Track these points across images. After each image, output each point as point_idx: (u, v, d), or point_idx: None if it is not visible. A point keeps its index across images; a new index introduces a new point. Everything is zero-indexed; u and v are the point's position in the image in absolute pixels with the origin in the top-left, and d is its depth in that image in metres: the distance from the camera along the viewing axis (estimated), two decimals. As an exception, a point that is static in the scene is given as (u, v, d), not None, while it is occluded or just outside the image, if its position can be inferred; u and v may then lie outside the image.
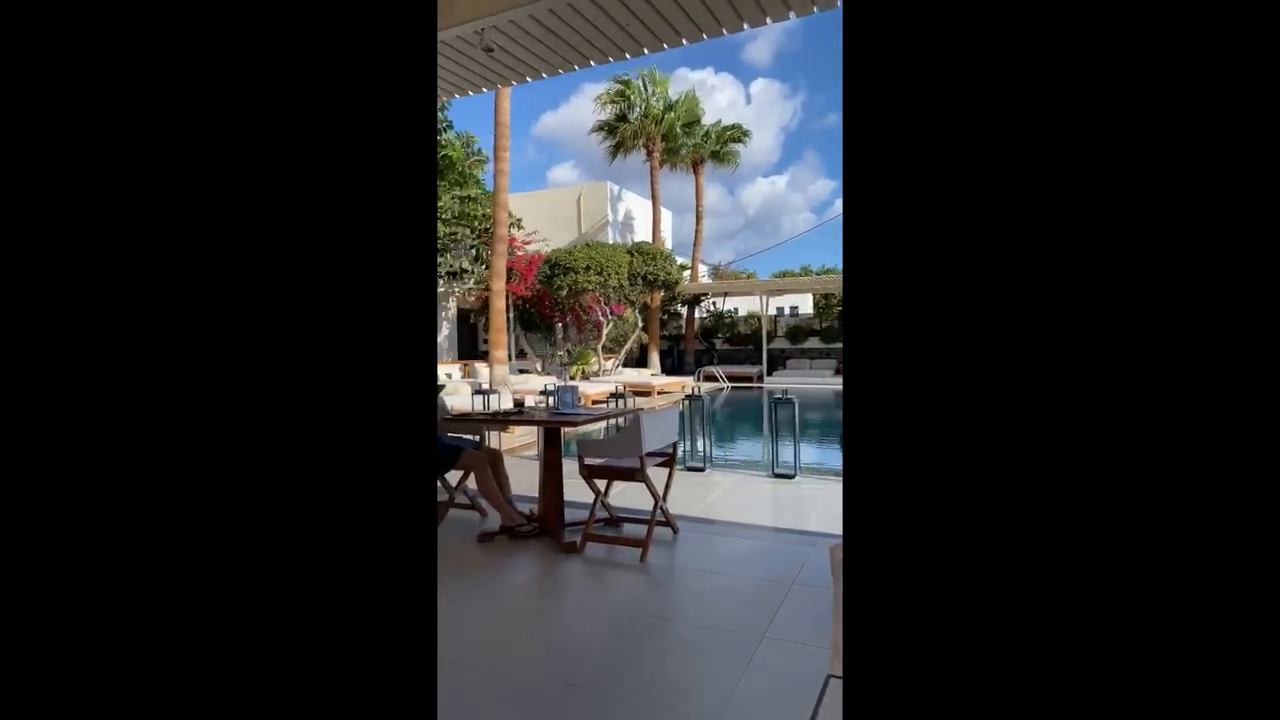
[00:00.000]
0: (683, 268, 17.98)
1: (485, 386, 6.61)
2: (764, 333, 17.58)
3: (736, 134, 19.63)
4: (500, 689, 1.88)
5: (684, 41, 3.36)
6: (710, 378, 16.17)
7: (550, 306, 15.68)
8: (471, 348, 17.45)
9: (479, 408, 3.79)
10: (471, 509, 3.74)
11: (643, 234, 19.82)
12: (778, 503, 4.21)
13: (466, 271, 15.74)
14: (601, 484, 3.28)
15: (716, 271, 24.32)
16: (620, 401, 4.09)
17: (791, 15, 3.08)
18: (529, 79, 3.83)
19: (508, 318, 12.81)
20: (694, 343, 19.26)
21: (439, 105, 13.71)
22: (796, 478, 4.64)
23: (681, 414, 3.86)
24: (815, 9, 2.98)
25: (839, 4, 2.97)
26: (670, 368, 18.26)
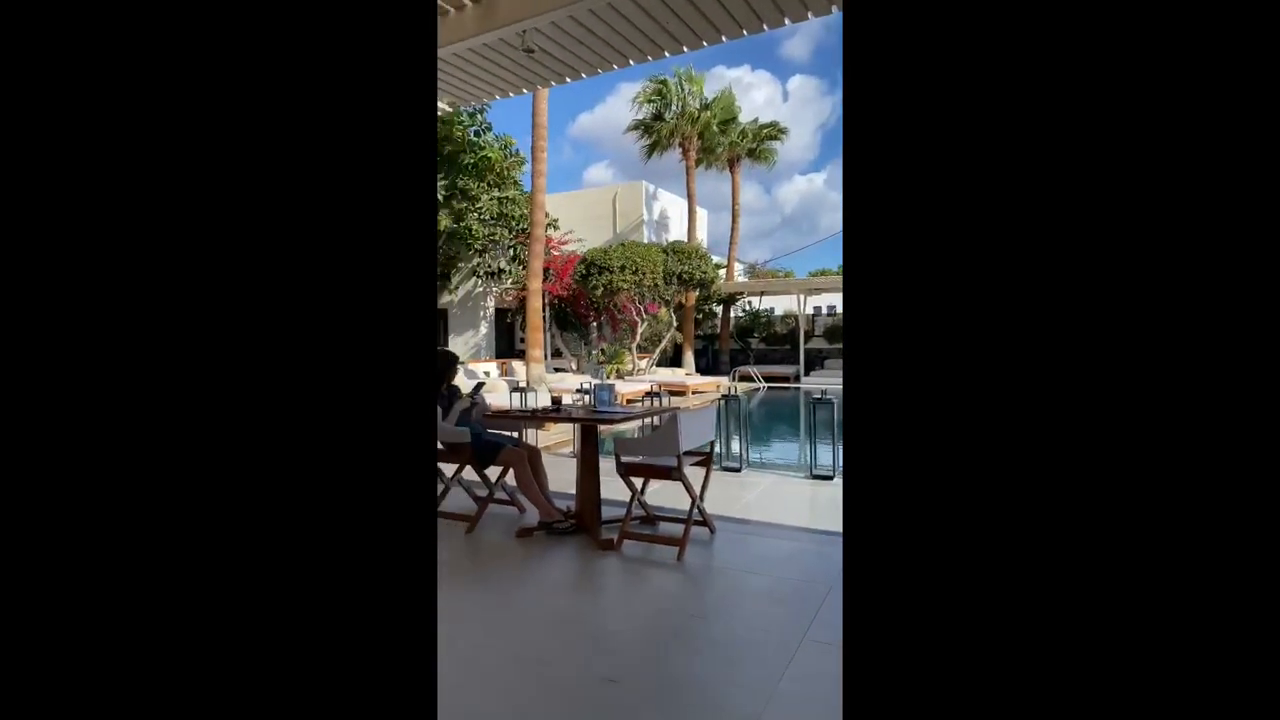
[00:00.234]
0: (718, 266, 17.88)
1: (522, 384, 6.69)
2: (801, 332, 17.36)
3: (773, 131, 19.42)
4: (541, 682, 1.91)
5: (723, 38, 3.34)
6: (746, 377, 16.04)
7: (585, 306, 15.78)
8: (509, 346, 17.69)
9: (517, 405, 3.84)
10: (510, 504, 3.79)
11: (678, 233, 19.78)
12: (816, 504, 4.16)
13: (504, 271, 15.96)
14: (638, 482, 3.29)
15: (753, 270, 24.10)
16: (656, 400, 4.10)
17: (834, 9, 3.04)
18: (568, 79, 3.87)
19: (544, 317, 12.94)
20: (729, 342, 19.13)
21: (479, 107, 13.93)
22: (835, 479, 4.57)
23: (717, 413, 3.85)
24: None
25: None
26: (704, 367, 18.18)
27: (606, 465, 3.37)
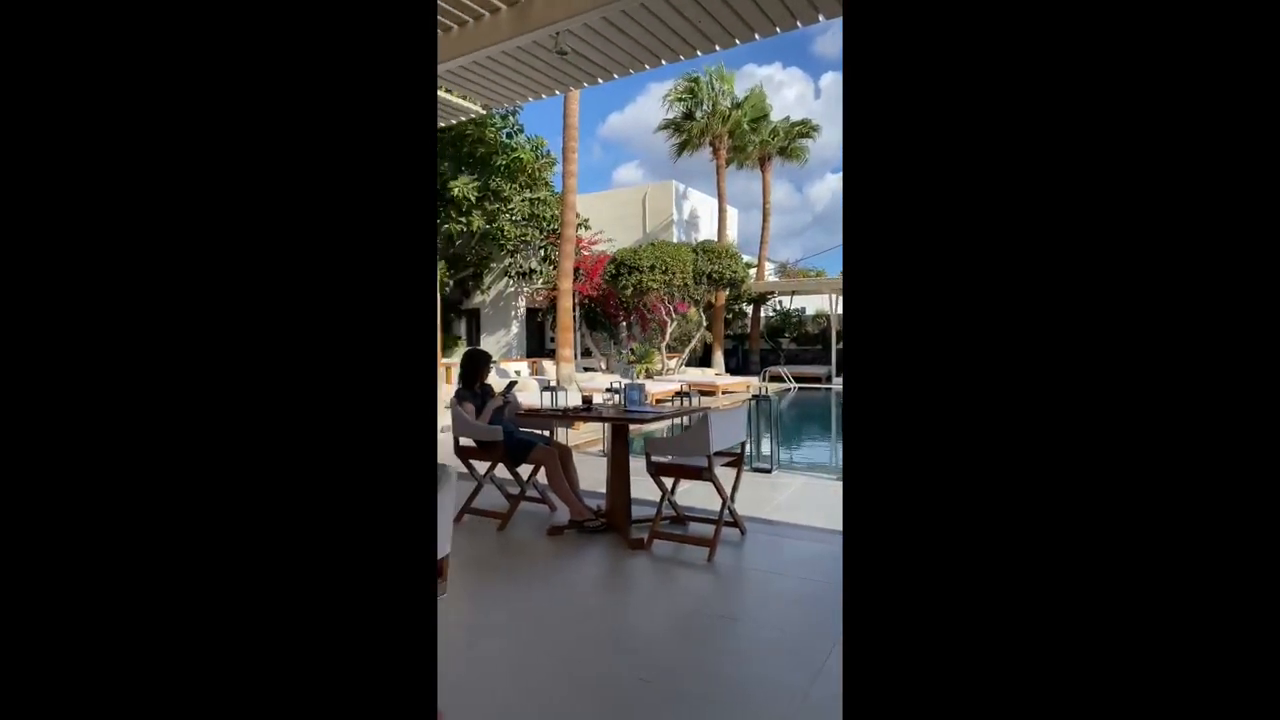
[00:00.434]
0: (748, 266, 17.75)
1: (553, 383, 6.74)
2: (833, 332, 17.11)
3: (805, 129, 19.19)
4: (572, 680, 1.92)
5: (756, 36, 3.32)
6: (776, 378, 15.90)
7: (615, 306, 15.83)
8: (539, 345, 17.85)
9: (547, 404, 3.88)
10: (541, 502, 3.83)
11: (708, 232, 19.69)
12: (848, 507, 4.09)
13: (535, 271, 16.12)
14: (668, 482, 3.29)
15: (783, 269, 23.84)
16: (686, 400, 4.09)
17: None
18: (600, 80, 3.88)
19: (574, 316, 13.03)
20: (759, 342, 18.98)
21: (511, 109, 14.09)
22: (868, 482, 4.49)
23: (748, 414, 3.82)
24: None
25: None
26: (734, 367, 18.07)
27: (636, 465, 3.38)
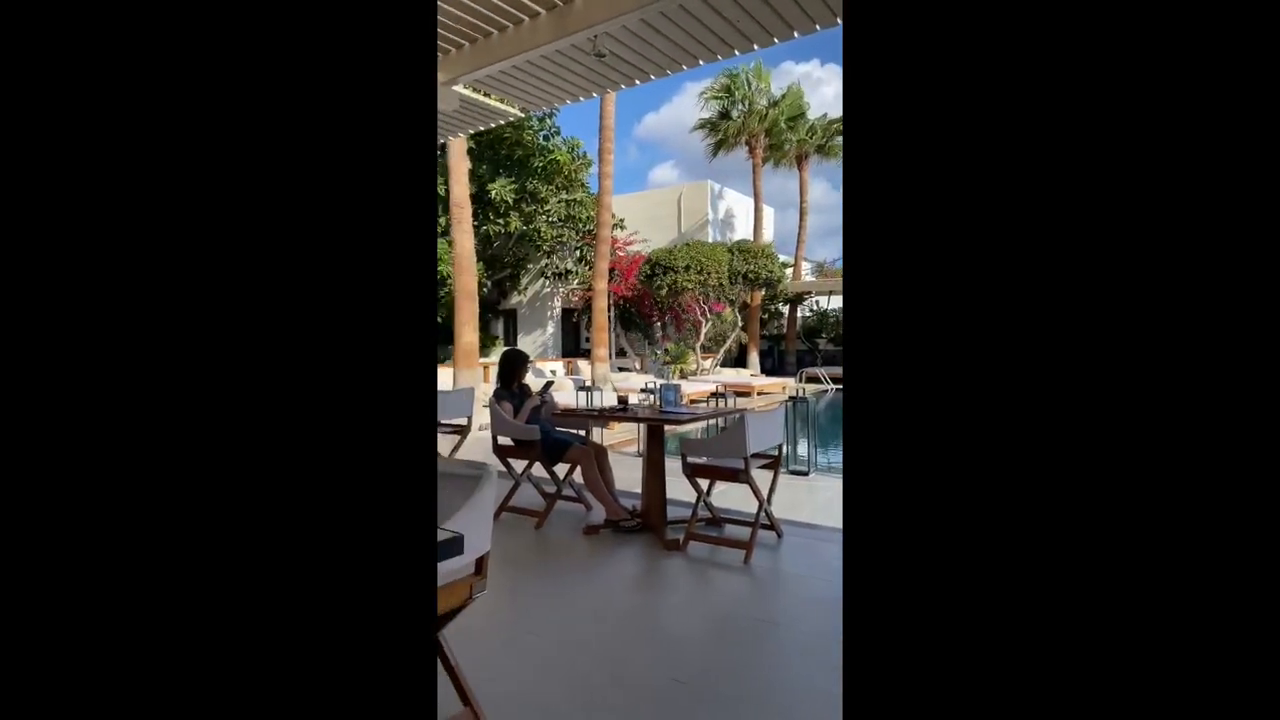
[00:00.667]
0: (784, 265, 17.55)
1: (588, 383, 6.79)
2: (871, 333, 16.76)
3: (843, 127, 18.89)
4: (608, 679, 1.94)
5: (795, 34, 3.28)
6: (813, 379, 15.67)
7: (650, 306, 15.85)
8: (574, 345, 17.99)
9: (583, 404, 3.90)
10: (577, 501, 3.86)
11: (743, 231, 19.54)
12: (888, 511, 4.01)
13: (571, 272, 16.26)
14: (703, 484, 3.28)
15: (821, 269, 23.51)
16: (721, 401, 4.07)
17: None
18: (638, 81, 3.90)
19: (609, 316, 13.09)
20: (795, 342, 18.76)
21: (548, 111, 14.23)
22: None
23: (785, 415, 3.78)
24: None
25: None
26: (770, 368, 17.90)
27: (671, 465, 3.38)
